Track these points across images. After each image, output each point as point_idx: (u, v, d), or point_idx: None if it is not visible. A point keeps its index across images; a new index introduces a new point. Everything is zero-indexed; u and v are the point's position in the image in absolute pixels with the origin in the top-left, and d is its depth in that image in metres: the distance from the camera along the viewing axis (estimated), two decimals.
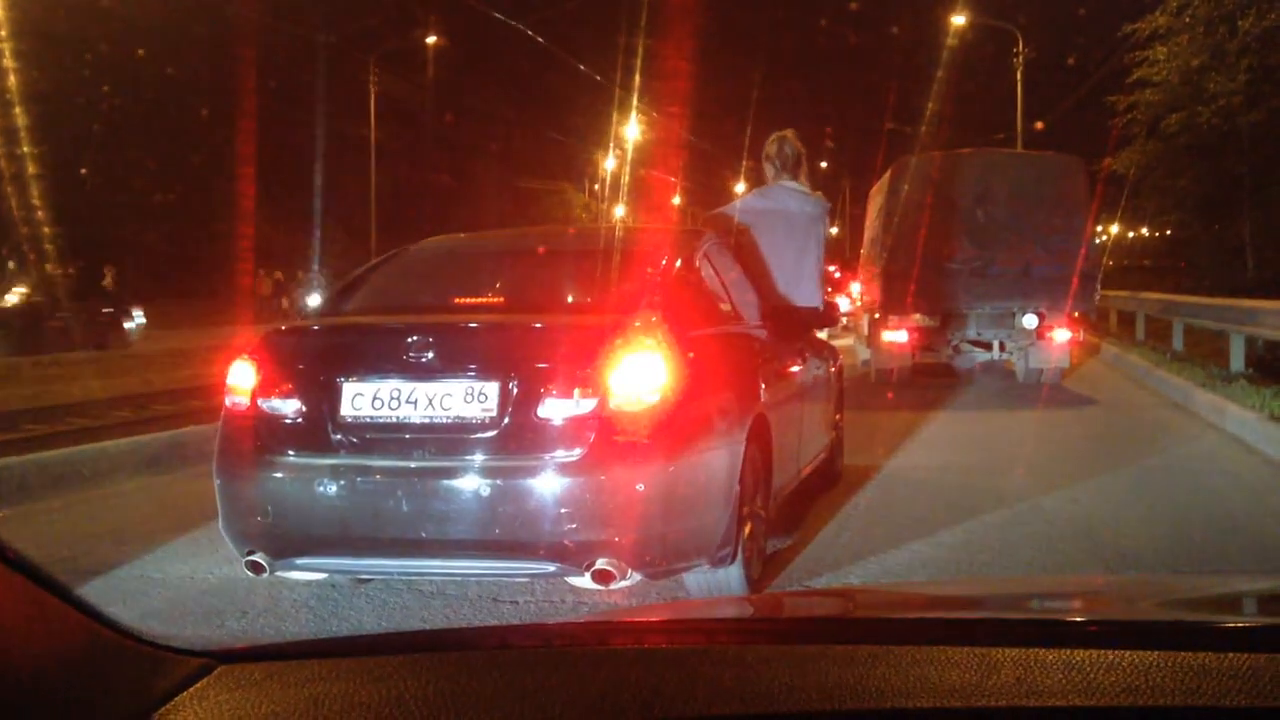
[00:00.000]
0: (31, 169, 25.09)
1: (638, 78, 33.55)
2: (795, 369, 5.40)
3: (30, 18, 24.89)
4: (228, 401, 3.96)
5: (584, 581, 3.64)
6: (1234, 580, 2.96)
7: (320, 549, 3.79)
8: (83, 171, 31.81)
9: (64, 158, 28.14)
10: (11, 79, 24.40)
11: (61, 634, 1.14)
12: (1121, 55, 24.76)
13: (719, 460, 3.94)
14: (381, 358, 3.84)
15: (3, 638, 1.05)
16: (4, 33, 24.06)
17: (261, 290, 33.08)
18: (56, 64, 27.22)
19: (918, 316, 11.92)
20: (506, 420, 3.63)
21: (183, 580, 4.77)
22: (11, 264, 26.49)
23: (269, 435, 3.82)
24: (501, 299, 4.60)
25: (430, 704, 1.20)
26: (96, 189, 32.50)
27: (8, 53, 24.23)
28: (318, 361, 3.93)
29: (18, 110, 24.67)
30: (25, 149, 24.86)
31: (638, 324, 3.79)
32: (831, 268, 22.92)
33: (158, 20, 29.24)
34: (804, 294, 6.01)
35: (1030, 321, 11.58)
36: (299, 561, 3.85)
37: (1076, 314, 11.94)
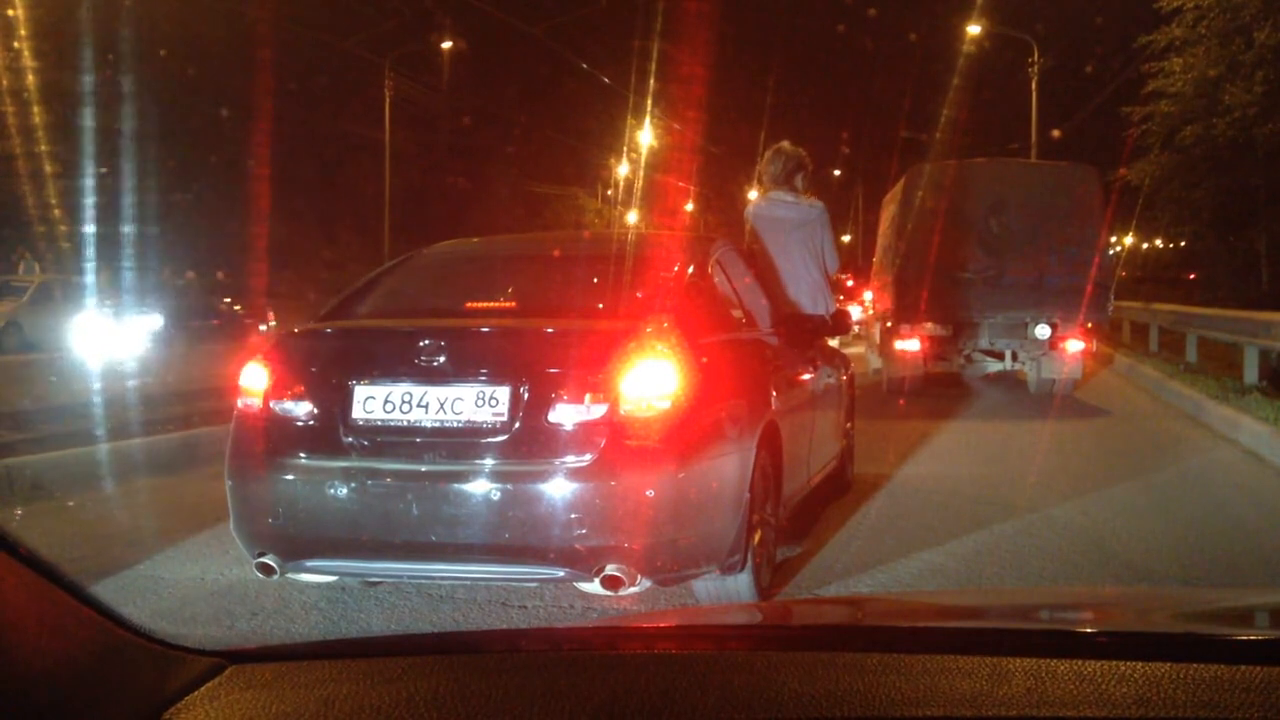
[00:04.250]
0: (50, 168, 25.22)
1: (652, 83, 33.62)
2: (806, 376, 5.39)
3: (53, 17, 25.05)
4: (240, 403, 3.97)
5: (593, 587, 3.64)
6: (1247, 593, 2.94)
7: (330, 551, 3.80)
8: (102, 170, 31.97)
9: (83, 157, 28.29)
10: (31, 78, 24.56)
11: (75, 632, 1.14)
12: (1137, 66, 24.74)
13: (730, 467, 3.94)
14: (393, 361, 3.85)
15: (17, 635, 1.06)
16: (25, 32, 24.23)
17: None
18: (78, 64, 27.39)
19: (930, 325, 11.89)
20: (517, 425, 3.63)
21: (193, 581, 4.78)
22: (24, 261, 26.61)
23: (281, 437, 3.84)
24: (513, 304, 4.61)
25: (440, 706, 1.20)
26: (114, 188, 32.64)
27: (29, 51, 24.39)
28: (330, 364, 3.95)
29: (37, 109, 24.82)
30: (44, 148, 25.00)
31: (649, 330, 3.79)
32: (844, 276, 22.92)
33: (179, 22, 29.42)
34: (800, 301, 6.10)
35: (1043, 332, 11.54)
36: (309, 564, 3.86)
37: (1090, 325, 11.89)
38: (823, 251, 6.32)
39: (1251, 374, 11.50)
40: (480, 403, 3.68)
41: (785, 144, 6.53)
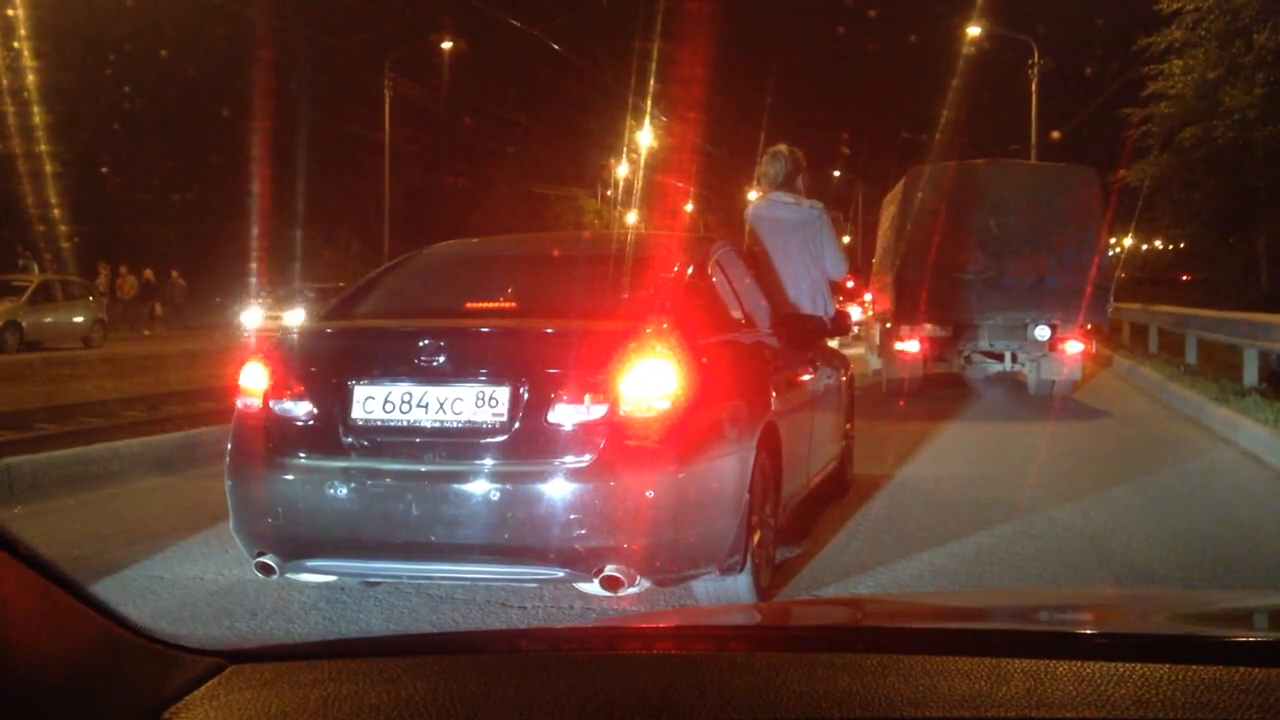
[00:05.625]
0: (50, 167, 25.22)
1: (652, 83, 33.64)
2: (806, 377, 5.39)
3: (55, 17, 25.06)
4: (240, 403, 3.97)
5: (593, 588, 3.64)
6: (1246, 595, 2.94)
7: (330, 551, 3.80)
8: (103, 170, 31.97)
9: (84, 156, 28.29)
10: (31, 77, 24.56)
11: (74, 631, 1.14)
12: (1137, 68, 24.76)
13: (729, 467, 3.94)
14: (393, 361, 3.85)
15: (16, 634, 1.06)
16: (26, 31, 24.23)
17: (124, 292, 29.32)
18: (80, 64, 27.41)
19: (930, 326, 11.89)
20: (517, 425, 3.63)
21: (193, 581, 4.78)
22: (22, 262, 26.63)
23: (280, 437, 3.84)
24: (513, 304, 4.60)
25: (440, 706, 1.20)
26: (115, 188, 32.64)
27: (30, 52, 24.40)
28: (329, 364, 3.95)
29: (37, 109, 24.82)
30: (44, 147, 25.01)
31: (649, 330, 3.79)
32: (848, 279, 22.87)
33: (180, 22, 29.42)
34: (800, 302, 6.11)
35: (1043, 333, 11.54)
36: (309, 564, 3.86)
37: (1089, 326, 11.90)
38: (823, 253, 6.33)
39: (1251, 376, 11.50)
40: (480, 403, 3.68)
41: (782, 147, 6.54)
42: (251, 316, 25.72)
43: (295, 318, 24.56)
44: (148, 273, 30.62)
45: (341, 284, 27.77)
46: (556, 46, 32.13)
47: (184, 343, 24.01)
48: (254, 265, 28.59)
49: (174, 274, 31.22)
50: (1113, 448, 8.83)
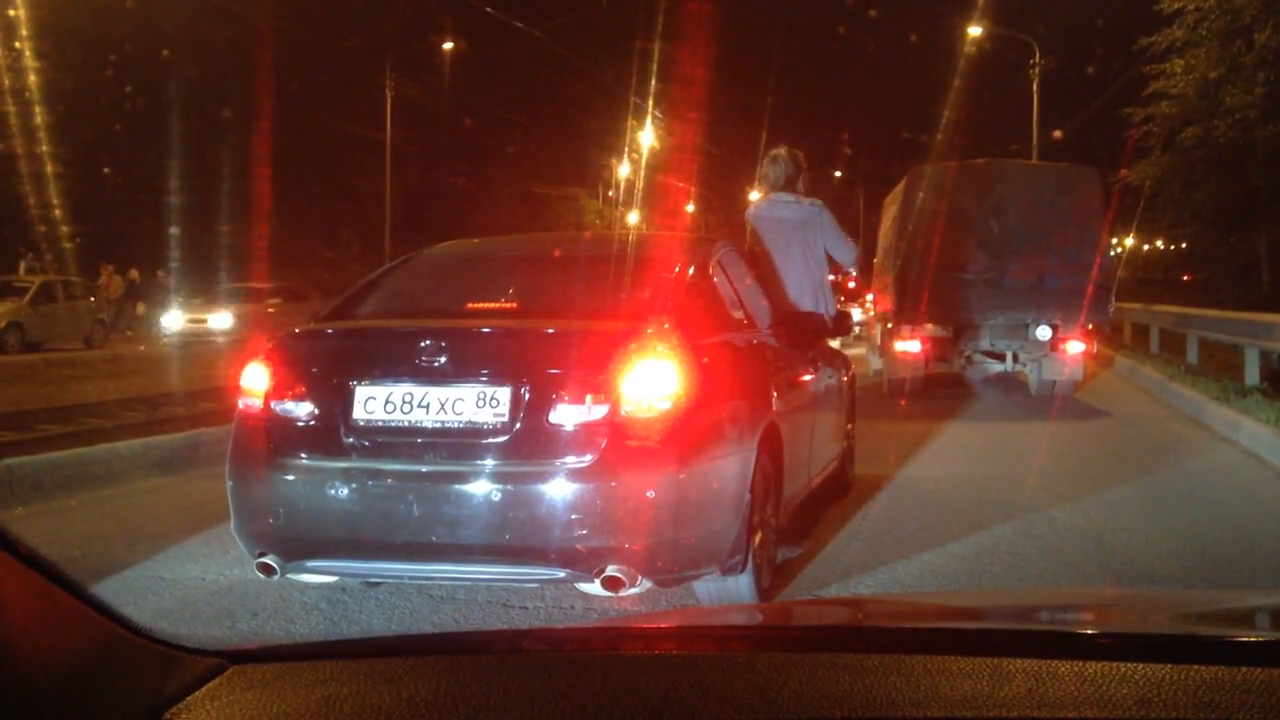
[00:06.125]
0: (52, 168, 25.22)
1: (653, 84, 33.66)
2: (807, 377, 5.39)
3: (56, 18, 25.06)
4: (241, 404, 3.98)
5: (594, 588, 3.64)
6: (1247, 595, 2.94)
7: (331, 552, 3.80)
8: (105, 171, 31.98)
9: (85, 156, 28.30)
10: (32, 78, 24.56)
11: (75, 632, 1.14)
12: (1138, 67, 24.78)
13: (730, 468, 3.94)
14: (394, 361, 3.85)
15: (17, 634, 1.05)
16: (27, 32, 24.24)
17: (110, 291, 28.43)
18: (81, 64, 27.42)
19: (931, 327, 11.89)
20: (518, 425, 3.64)
21: (194, 581, 4.78)
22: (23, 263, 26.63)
23: (282, 438, 3.84)
24: (515, 304, 4.59)
25: (441, 706, 1.20)
26: (117, 188, 32.64)
27: (32, 52, 24.40)
28: (331, 365, 3.95)
29: (39, 109, 24.83)
30: (46, 148, 25.01)
31: (650, 330, 3.79)
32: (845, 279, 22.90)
33: (181, 22, 29.42)
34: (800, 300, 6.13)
35: (1044, 333, 11.54)
36: (310, 564, 3.86)
37: (1091, 326, 11.89)
38: (824, 251, 6.34)
39: (1252, 375, 11.50)
40: (481, 403, 3.68)
41: (782, 149, 6.55)
42: (172, 319, 24.77)
43: (221, 321, 24.22)
44: (133, 272, 30.46)
45: (289, 285, 27.51)
46: (547, 41, 32.08)
47: (127, 346, 23.66)
48: (174, 264, 28.13)
49: (160, 273, 31.10)
50: (1114, 447, 8.82)
